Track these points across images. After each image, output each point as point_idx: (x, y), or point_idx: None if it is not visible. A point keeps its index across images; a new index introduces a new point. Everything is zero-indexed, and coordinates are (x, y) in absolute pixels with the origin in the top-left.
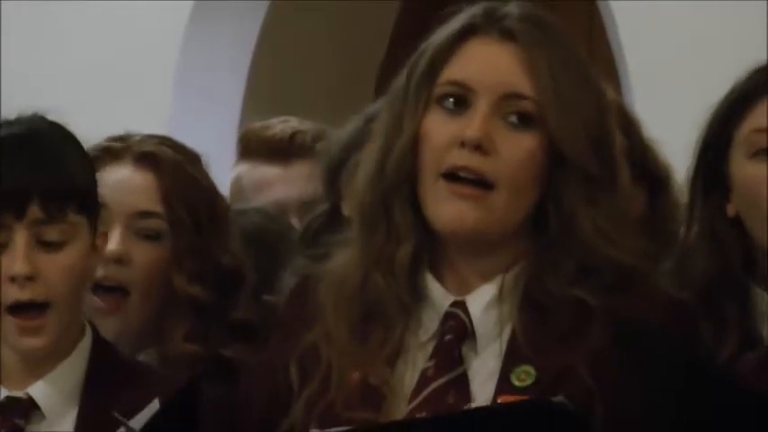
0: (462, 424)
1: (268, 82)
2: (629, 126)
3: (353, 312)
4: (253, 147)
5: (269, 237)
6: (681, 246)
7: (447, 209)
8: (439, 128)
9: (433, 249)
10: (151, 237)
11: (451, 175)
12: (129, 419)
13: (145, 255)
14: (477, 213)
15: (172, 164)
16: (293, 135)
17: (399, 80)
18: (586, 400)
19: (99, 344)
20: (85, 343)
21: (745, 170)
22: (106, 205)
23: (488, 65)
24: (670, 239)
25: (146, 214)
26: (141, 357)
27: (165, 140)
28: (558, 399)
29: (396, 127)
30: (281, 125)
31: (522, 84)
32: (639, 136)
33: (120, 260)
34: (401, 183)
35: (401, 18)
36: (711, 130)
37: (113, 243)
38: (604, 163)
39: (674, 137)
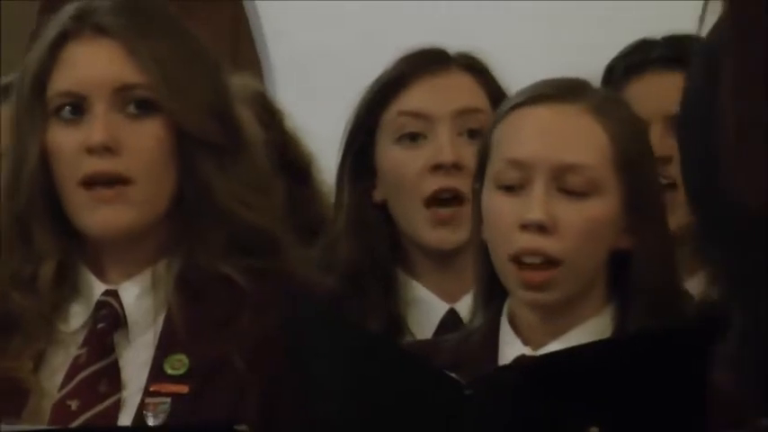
0: None
1: None
2: (271, 116)
3: None
4: None
5: None
6: (329, 230)
7: (93, 217)
8: (63, 140)
9: (87, 243)
10: None
11: (88, 181)
12: None
13: None
14: (123, 215)
15: None
16: None
17: (17, 87)
18: (241, 389)
19: None
20: None
21: (390, 154)
22: None
23: (90, 66)
24: (311, 229)
25: None
26: None
27: None
28: (242, 428)
29: (20, 147)
30: None
31: (129, 73)
32: (281, 126)
33: None
34: (36, 203)
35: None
36: (360, 115)
37: None
38: (229, 133)
39: (320, 127)
